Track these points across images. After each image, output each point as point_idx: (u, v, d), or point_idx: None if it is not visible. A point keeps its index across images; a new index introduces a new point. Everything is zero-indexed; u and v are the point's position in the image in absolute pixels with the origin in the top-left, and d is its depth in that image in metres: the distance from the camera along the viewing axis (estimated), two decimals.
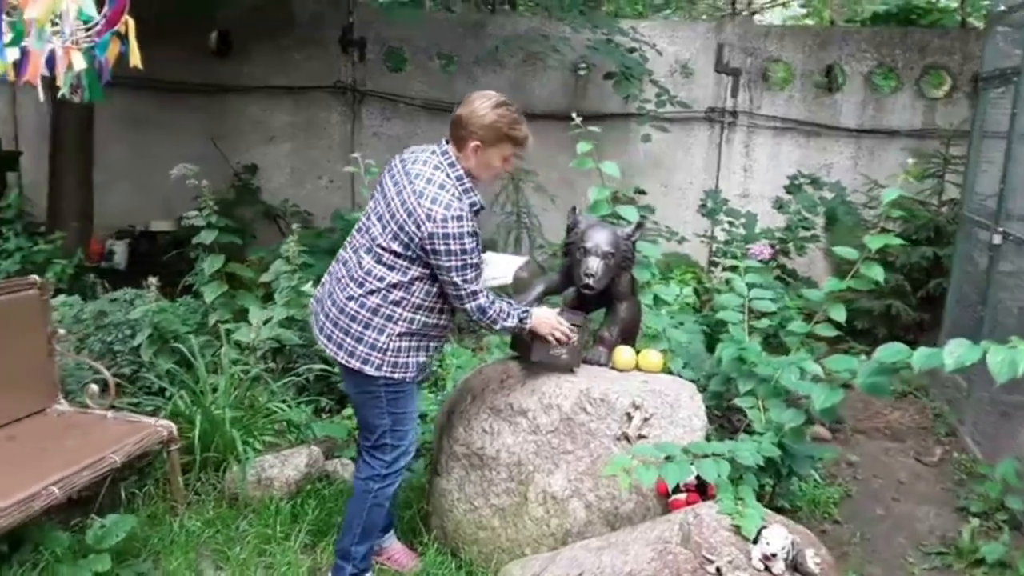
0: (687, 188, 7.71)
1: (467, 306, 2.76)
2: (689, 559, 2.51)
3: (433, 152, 2.80)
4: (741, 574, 2.44)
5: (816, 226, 6.62)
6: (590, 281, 3.10)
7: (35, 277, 3.61)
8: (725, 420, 4.14)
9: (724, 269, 5.22)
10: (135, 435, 3.31)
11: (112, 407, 3.59)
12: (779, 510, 3.17)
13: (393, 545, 3.28)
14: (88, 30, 2.70)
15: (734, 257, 4.63)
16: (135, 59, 2.77)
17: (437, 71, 7.78)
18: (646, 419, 3.05)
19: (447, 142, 2.80)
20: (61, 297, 4.72)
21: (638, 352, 3.36)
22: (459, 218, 2.64)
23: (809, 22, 11.97)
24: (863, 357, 2.96)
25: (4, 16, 2.49)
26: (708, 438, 3.20)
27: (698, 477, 2.86)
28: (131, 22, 2.75)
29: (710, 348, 4.50)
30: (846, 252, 3.50)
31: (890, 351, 2.72)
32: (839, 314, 3.46)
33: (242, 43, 7.92)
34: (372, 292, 2.76)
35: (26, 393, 3.48)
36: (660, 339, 3.75)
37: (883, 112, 7.35)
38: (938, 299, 5.95)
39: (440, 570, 3.14)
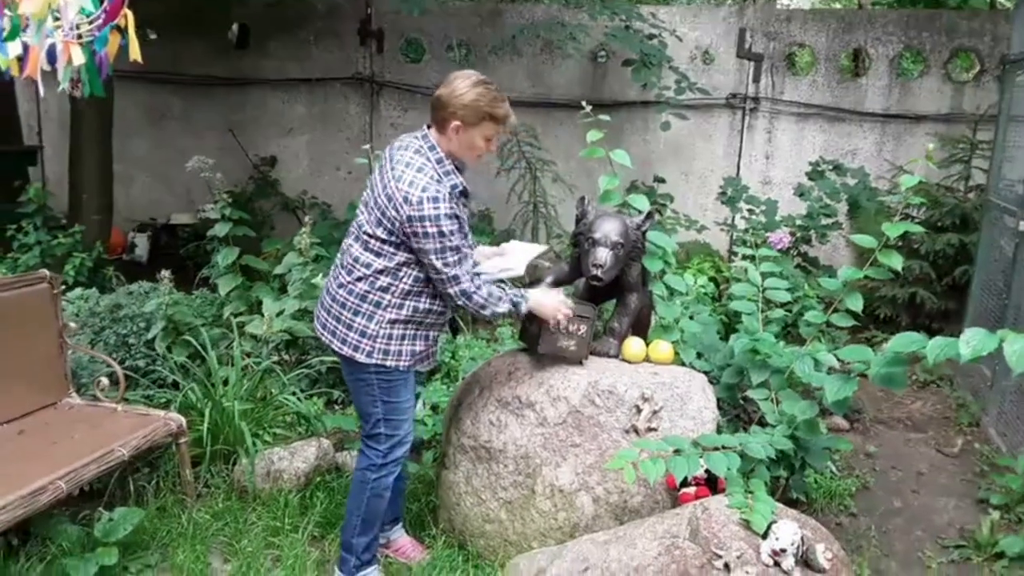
0: (708, 176, 7.62)
1: (450, 291, 2.72)
2: (697, 554, 2.47)
3: (415, 137, 2.79)
4: (750, 569, 2.39)
5: (838, 213, 6.49)
6: (598, 272, 3.04)
7: (45, 271, 3.63)
8: (741, 412, 4.08)
9: (742, 258, 5.12)
10: (143, 428, 3.31)
11: (124, 400, 3.60)
12: (793, 503, 3.11)
13: (401, 538, 3.27)
14: (90, 23, 2.70)
15: (753, 246, 4.54)
16: (135, 53, 2.77)
17: (454, 61, 7.74)
18: (655, 411, 3.01)
19: (428, 127, 2.78)
20: (78, 290, 4.75)
21: (648, 343, 3.31)
22: (435, 199, 2.61)
23: (837, 5, 11.78)
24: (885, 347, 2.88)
25: (4, 12, 2.49)
26: (720, 430, 3.14)
27: (708, 470, 2.81)
28: (130, 16, 2.74)
29: (728, 338, 4.42)
30: (865, 240, 3.39)
31: (904, 341, 2.65)
32: (856, 303, 3.37)
33: (261, 36, 7.96)
34: (360, 279, 2.76)
35: (37, 387, 3.50)
36: (672, 330, 3.69)
37: (909, 96, 7.20)
38: (964, 287, 5.81)
39: (448, 563, 3.12)
